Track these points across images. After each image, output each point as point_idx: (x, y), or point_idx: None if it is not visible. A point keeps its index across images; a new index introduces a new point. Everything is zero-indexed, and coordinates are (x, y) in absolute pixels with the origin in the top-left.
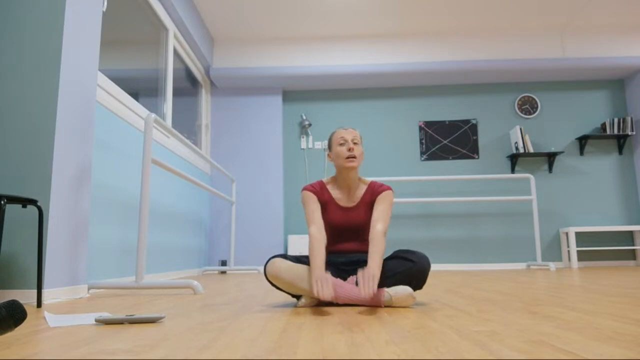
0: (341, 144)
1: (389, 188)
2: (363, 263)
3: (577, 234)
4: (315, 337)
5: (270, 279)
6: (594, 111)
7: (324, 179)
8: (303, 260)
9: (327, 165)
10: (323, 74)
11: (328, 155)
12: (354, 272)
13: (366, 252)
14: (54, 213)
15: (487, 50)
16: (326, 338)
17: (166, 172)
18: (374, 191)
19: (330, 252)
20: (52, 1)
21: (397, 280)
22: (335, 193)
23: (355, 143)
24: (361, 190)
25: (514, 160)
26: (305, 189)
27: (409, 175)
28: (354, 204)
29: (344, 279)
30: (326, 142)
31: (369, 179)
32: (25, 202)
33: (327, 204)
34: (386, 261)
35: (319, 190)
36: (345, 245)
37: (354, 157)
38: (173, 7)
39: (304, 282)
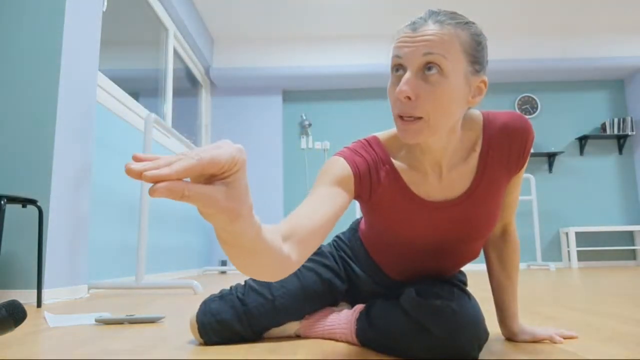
0: (395, 68)
1: (529, 127)
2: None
3: (577, 234)
4: (315, 338)
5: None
6: (594, 111)
7: (382, 135)
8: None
9: None
10: (323, 74)
11: None
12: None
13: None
14: (54, 213)
15: (487, 51)
16: (326, 338)
17: None
18: (512, 156)
19: (366, 259)
20: (52, 1)
21: (405, 353)
22: (406, 170)
23: (430, 68)
24: (468, 150)
25: None
26: (340, 154)
27: None
28: (457, 191)
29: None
30: (327, 142)
31: (478, 112)
32: (25, 202)
33: (385, 200)
34: (382, 307)
35: (370, 171)
36: (421, 270)
37: (412, 118)
38: (173, 7)
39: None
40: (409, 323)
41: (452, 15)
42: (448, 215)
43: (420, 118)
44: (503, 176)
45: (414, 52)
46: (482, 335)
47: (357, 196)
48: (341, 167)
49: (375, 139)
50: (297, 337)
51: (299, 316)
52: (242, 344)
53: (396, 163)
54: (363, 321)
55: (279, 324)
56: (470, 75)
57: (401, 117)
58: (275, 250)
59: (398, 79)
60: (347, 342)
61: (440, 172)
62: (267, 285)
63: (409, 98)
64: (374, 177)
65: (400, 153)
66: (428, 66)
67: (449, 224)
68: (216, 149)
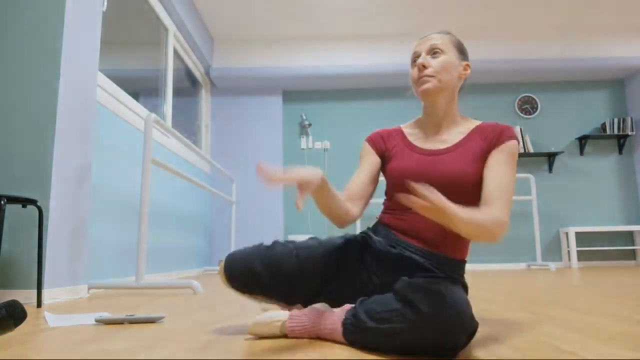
0: (413, 62)
1: (514, 134)
2: (416, 267)
3: (577, 234)
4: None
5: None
6: (594, 111)
7: (406, 123)
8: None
9: (328, 166)
10: (323, 74)
11: None
12: (386, 281)
13: (439, 255)
14: (54, 213)
15: (487, 50)
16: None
17: (166, 172)
18: (489, 134)
19: (380, 227)
20: (52, 1)
21: (391, 336)
22: (413, 133)
23: (435, 52)
24: (463, 129)
25: None
26: (366, 139)
27: None
28: (444, 145)
29: (348, 298)
30: (327, 142)
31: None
32: (25, 202)
33: (392, 151)
34: (377, 297)
35: (383, 137)
36: (414, 221)
37: (428, 76)
38: (173, 7)
39: None
40: (397, 301)
41: (445, 31)
42: (431, 159)
43: (432, 76)
44: (478, 145)
45: (424, 44)
46: (466, 319)
47: (379, 154)
48: (366, 145)
49: (397, 127)
50: (284, 336)
51: (313, 273)
52: (257, 294)
53: (406, 130)
54: (353, 310)
55: (295, 279)
56: (458, 57)
57: (419, 80)
58: (345, 208)
59: (415, 66)
60: (333, 339)
61: (439, 130)
62: (292, 242)
63: (424, 66)
64: (385, 138)
65: (411, 126)
66: (433, 50)
67: (432, 164)
68: (302, 171)
